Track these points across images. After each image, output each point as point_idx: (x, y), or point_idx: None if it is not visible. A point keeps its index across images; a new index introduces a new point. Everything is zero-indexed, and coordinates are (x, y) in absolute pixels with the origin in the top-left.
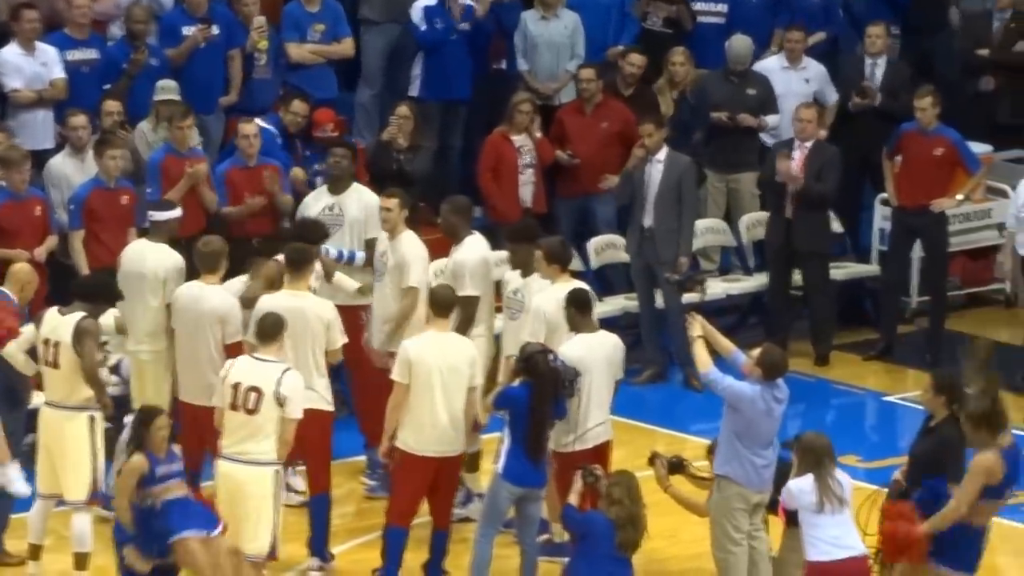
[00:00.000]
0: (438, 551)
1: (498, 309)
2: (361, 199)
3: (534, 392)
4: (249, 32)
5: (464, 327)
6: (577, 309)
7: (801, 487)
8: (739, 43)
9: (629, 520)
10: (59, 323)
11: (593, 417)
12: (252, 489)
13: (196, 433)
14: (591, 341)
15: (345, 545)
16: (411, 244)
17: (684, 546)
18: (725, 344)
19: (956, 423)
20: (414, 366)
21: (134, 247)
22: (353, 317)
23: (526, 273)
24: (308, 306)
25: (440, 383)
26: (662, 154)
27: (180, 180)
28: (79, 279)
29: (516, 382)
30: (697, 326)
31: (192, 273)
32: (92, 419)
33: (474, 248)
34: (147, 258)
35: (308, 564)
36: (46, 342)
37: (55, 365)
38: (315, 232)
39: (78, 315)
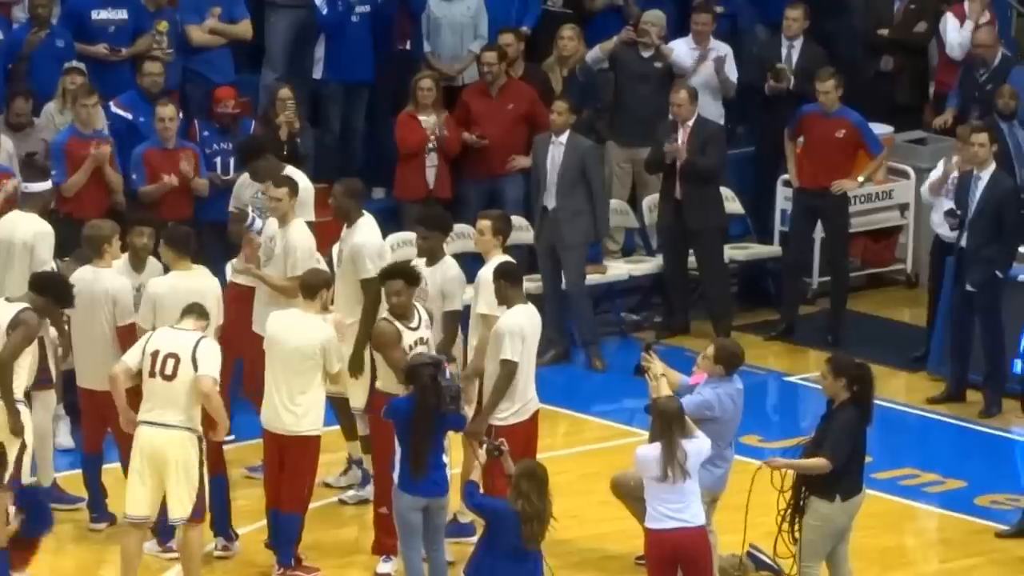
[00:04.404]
0: (281, 532)
1: None
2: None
3: (415, 405)
4: (153, 24)
5: (373, 309)
6: (508, 281)
7: (647, 456)
8: (653, 12)
9: (535, 516)
10: (1, 310)
11: (530, 389)
12: (173, 453)
13: (97, 417)
14: (528, 311)
15: (253, 526)
16: (300, 232)
17: (588, 527)
18: (675, 375)
19: (854, 406)
20: (267, 341)
21: (7, 218)
22: (249, 297)
23: (431, 262)
24: (201, 284)
25: (281, 362)
26: (564, 136)
27: (84, 162)
28: (37, 272)
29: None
30: (658, 364)
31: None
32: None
33: (370, 230)
34: (17, 227)
35: (214, 544)
36: None
37: None
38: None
39: (20, 306)
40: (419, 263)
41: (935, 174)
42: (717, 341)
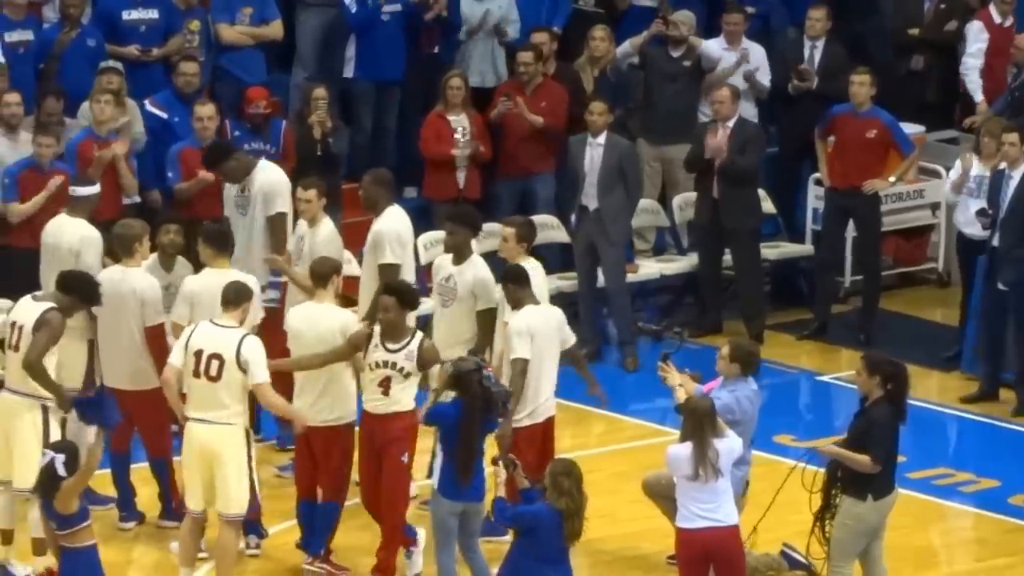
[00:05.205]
0: (317, 521)
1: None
2: (265, 174)
3: (463, 411)
4: (184, 23)
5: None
6: (515, 284)
7: (678, 455)
8: (683, 12)
9: (577, 511)
10: (28, 308)
11: (544, 391)
12: (223, 449)
13: (124, 417)
14: (540, 312)
15: (282, 525)
16: (328, 232)
17: (620, 525)
18: (691, 385)
19: (888, 403)
20: (290, 335)
21: (55, 221)
22: None
23: (459, 260)
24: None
25: (306, 353)
26: (602, 137)
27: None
28: (65, 271)
29: (448, 397)
30: (675, 375)
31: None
32: (45, 409)
33: (394, 218)
34: (64, 231)
35: (246, 542)
36: (13, 324)
37: (16, 348)
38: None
39: (46, 304)
40: (446, 259)
41: (954, 173)
42: (732, 341)
